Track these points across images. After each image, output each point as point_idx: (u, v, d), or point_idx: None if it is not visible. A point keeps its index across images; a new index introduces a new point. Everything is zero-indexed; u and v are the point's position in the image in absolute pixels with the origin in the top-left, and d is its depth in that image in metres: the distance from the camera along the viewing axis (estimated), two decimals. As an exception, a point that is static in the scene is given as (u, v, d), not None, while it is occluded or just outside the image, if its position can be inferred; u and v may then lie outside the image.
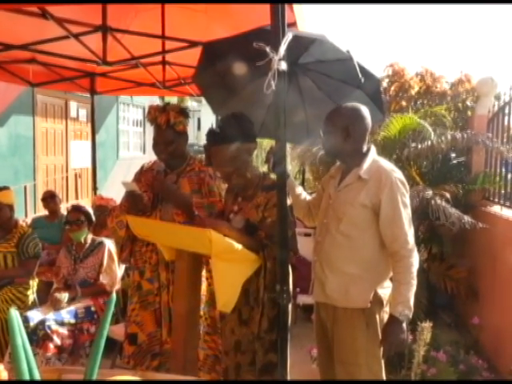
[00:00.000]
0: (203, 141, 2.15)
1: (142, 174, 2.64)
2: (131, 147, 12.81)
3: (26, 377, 0.71)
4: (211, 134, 2.11)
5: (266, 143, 8.59)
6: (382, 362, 2.08)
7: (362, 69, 2.31)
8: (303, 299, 4.13)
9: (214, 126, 2.17)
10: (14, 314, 0.74)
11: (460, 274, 4.09)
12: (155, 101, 10.58)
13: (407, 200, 2.06)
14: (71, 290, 3.34)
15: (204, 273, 2.37)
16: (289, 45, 1.64)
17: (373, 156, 2.13)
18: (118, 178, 9.85)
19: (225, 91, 2.62)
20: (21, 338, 0.72)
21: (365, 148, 2.15)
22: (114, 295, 0.89)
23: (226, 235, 1.90)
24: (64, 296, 3.22)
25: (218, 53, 2.37)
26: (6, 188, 3.73)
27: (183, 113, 2.47)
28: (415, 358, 2.77)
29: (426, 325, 2.74)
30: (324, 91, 2.61)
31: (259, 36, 1.72)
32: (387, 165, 2.12)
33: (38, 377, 0.75)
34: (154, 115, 2.43)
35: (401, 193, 2.03)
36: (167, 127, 2.42)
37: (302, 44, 2.23)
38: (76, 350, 3.13)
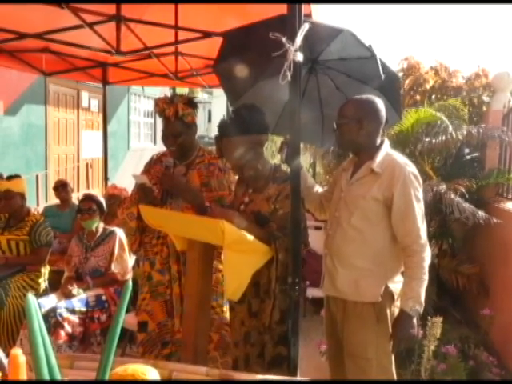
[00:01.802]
0: (214, 133, 2.14)
1: (152, 166, 2.63)
2: (142, 138, 12.86)
3: (43, 362, 0.72)
4: (223, 125, 2.10)
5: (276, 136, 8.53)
6: (392, 356, 2.08)
7: (384, 66, 2.27)
8: (312, 292, 4.13)
9: (226, 117, 2.15)
10: (32, 298, 0.75)
11: (471, 270, 4.05)
12: (167, 92, 10.58)
13: (420, 194, 2.03)
14: (82, 282, 3.36)
15: (219, 265, 2.38)
16: (310, 41, 1.61)
17: (386, 149, 2.11)
18: (128, 168, 9.91)
19: (243, 83, 2.59)
20: (38, 322, 0.73)
21: (378, 141, 2.12)
22: (130, 282, 0.89)
23: (236, 225, 1.90)
24: (78, 291, 3.25)
25: (239, 43, 2.34)
26: (17, 176, 3.76)
27: (191, 104, 2.45)
28: (425, 353, 2.76)
29: (437, 319, 2.72)
30: (342, 91, 2.56)
31: (281, 24, 1.69)
32: (400, 158, 2.09)
33: (54, 362, 0.75)
34: (162, 107, 2.40)
35: (414, 187, 2.00)
36: (176, 119, 2.40)
37: (323, 40, 2.19)
38: (87, 338, 3.16)
